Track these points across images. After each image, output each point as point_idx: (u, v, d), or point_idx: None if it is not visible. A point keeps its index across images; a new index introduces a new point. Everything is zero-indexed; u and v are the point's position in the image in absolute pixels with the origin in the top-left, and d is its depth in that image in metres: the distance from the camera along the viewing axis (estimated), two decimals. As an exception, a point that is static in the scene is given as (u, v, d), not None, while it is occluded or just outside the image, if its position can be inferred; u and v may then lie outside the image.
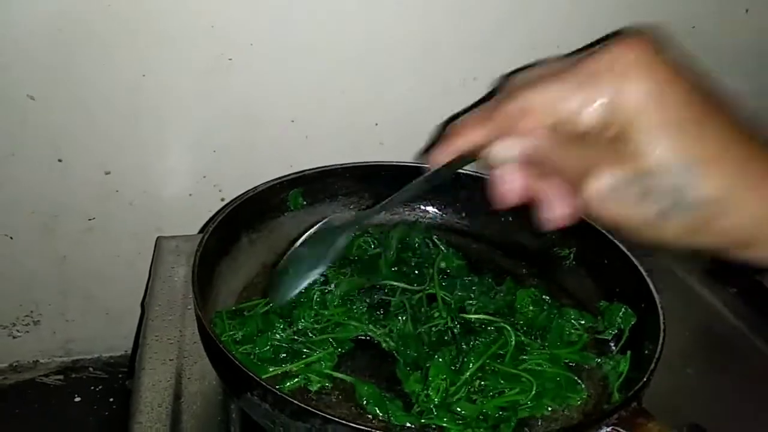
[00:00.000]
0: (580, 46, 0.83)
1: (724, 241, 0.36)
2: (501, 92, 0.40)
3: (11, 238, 0.81)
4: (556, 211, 0.41)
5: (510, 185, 0.41)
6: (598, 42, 0.37)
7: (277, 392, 0.45)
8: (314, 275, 0.56)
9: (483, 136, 0.40)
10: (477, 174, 0.76)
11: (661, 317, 0.56)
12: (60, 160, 0.76)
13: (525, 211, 0.72)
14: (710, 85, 0.36)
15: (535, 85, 0.37)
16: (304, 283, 0.56)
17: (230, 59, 0.74)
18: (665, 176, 0.34)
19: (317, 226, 0.57)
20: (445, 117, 0.85)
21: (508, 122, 0.38)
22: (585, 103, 0.35)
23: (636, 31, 0.35)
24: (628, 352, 0.59)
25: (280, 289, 0.57)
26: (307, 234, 0.56)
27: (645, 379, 0.49)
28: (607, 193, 0.35)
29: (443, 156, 0.43)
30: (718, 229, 0.35)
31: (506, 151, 0.39)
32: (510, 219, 0.76)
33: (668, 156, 0.33)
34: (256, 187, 0.70)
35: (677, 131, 0.34)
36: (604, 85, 0.34)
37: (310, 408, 0.44)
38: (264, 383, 0.46)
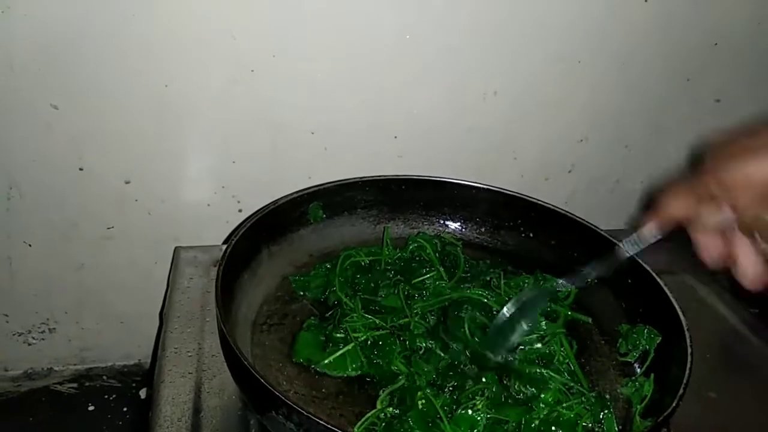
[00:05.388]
0: (600, 61, 0.84)
1: None
2: (705, 164, 0.44)
3: (30, 245, 0.81)
4: (750, 270, 0.45)
5: (713, 250, 0.46)
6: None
7: (303, 411, 0.44)
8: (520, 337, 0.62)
9: (691, 206, 0.45)
10: (498, 189, 0.76)
11: (688, 339, 0.56)
12: (81, 169, 0.76)
13: (545, 227, 0.74)
14: None
15: (735, 160, 0.42)
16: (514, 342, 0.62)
17: (252, 70, 0.74)
18: None
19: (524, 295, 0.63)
20: (466, 130, 0.85)
21: (714, 194, 0.43)
22: None
23: None
24: (652, 375, 0.59)
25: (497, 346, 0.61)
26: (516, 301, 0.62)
27: (675, 404, 0.49)
28: None
29: (658, 223, 0.49)
30: None
31: (712, 218, 0.44)
32: (531, 235, 0.75)
33: None
34: (276, 200, 0.69)
35: None
36: None
37: (337, 429, 0.43)
38: (290, 402, 0.45)
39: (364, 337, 0.60)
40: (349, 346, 0.59)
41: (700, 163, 0.44)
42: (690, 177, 0.45)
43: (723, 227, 0.44)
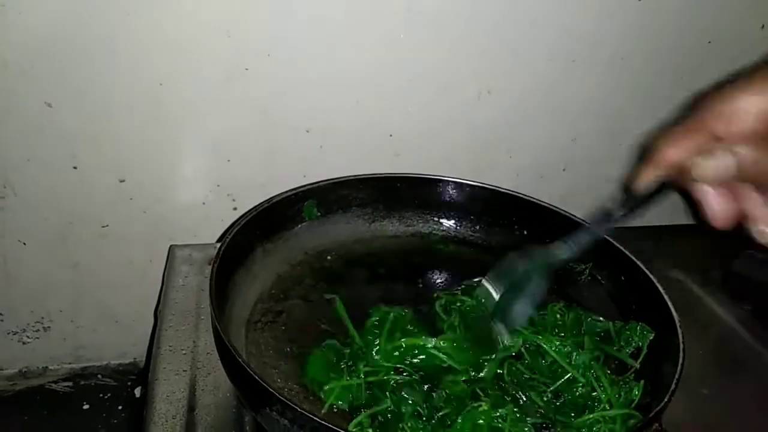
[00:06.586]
0: (594, 60, 0.84)
1: None
2: (696, 109, 0.41)
3: (24, 244, 0.81)
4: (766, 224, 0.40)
5: (718, 206, 0.40)
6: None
7: (297, 408, 0.45)
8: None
9: (692, 146, 0.40)
10: (493, 187, 0.76)
11: (680, 336, 0.56)
12: (75, 168, 0.76)
13: (540, 225, 0.74)
14: None
15: (729, 93, 0.39)
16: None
17: (246, 69, 0.74)
18: None
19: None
20: (460, 128, 0.85)
21: (711, 131, 0.39)
22: None
23: None
24: (642, 381, 0.58)
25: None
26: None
27: (666, 400, 0.49)
28: None
29: (652, 173, 0.43)
30: None
31: (712, 163, 0.39)
32: (525, 232, 0.76)
33: None
34: (271, 198, 0.69)
35: None
36: None
37: (330, 425, 0.43)
38: (284, 398, 0.45)
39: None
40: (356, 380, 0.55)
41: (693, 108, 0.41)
42: (685, 121, 0.41)
43: (725, 177, 0.39)
